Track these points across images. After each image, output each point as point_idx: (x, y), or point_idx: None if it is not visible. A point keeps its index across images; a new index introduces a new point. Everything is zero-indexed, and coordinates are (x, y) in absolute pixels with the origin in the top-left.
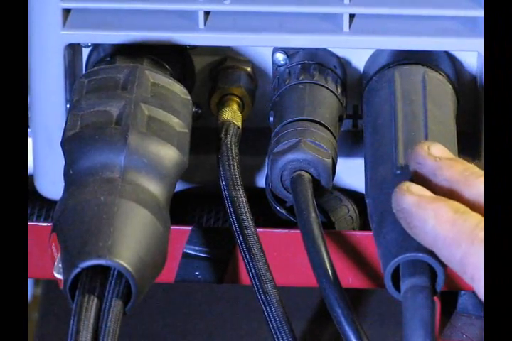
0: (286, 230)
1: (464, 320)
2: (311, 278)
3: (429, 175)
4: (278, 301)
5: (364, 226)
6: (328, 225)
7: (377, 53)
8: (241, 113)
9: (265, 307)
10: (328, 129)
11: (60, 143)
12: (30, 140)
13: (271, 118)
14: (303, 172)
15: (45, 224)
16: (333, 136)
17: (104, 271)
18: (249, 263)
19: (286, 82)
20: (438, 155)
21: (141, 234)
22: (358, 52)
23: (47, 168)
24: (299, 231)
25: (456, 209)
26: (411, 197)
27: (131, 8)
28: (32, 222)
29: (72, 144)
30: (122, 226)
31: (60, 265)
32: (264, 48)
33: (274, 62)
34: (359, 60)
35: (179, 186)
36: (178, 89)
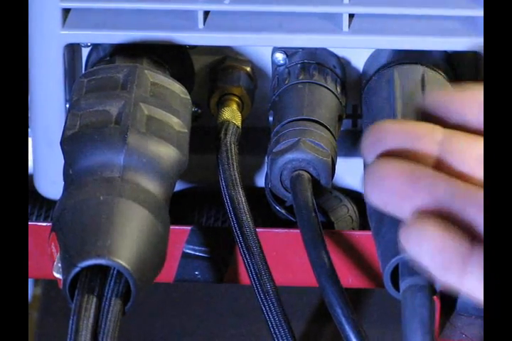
0: (286, 230)
1: (464, 319)
2: (311, 278)
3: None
4: (277, 301)
5: (363, 225)
6: (327, 225)
7: (377, 53)
8: (240, 112)
9: (265, 307)
10: (327, 129)
11: (59, 142)
12: (30, 140)
13: (270, 118)
14: (302, 172)
15: (45, 224)
16: (333, 135)
17: (103, 270)
18: (248, 263)
19: (286, 82)
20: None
21: (141, 234)
22: (357, 51)
23: (47, 168)
24: (298, 230)
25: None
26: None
27: (130, 8)
28: (32, 221)
29: (71, 144)
30: (122, 226)
31: (60, 264)
32: (263, 48)
33: (273, 62)
34: (358, 60)
35: (179, 186)
36: (178, 88)
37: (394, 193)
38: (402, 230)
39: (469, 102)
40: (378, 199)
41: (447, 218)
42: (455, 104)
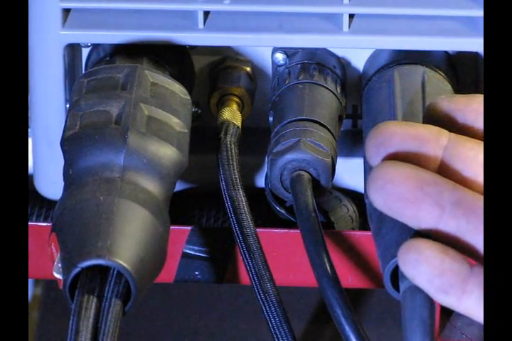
0: (286, 230)
1: (464, 319)
2: (311, 278)
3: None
4: (278, 301)
5: (364, 226)
6: (327, 225)
7: (377, 53)
8: (240, 113)
9: (265, 307)
10: (327, 129)
11: (59, 143)
12: (30, 140)
13: (270, 118)
14: (302, 172)
15: (45, 224)
16: (333, 135)
17: (103, 270)
18: (248, 263)
19: (286, 82)
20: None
21: (141, 234)
22: (357, 52)
23: (47, 168)
24: (298, 231)
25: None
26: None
27: (130, 8)
28: (32, 221)
29: (71, 144)
30: (122, 226)
31: (60, 265)
32: (263, 48)
33: (273, 62)
34: (359, 60)
35: (179, 186)
36: (178, 89)
37: (398, 199)
38: (400, 252)
39: (476, 111)
40: (382, 203)
41: (448, 233)
42: (461, 112)
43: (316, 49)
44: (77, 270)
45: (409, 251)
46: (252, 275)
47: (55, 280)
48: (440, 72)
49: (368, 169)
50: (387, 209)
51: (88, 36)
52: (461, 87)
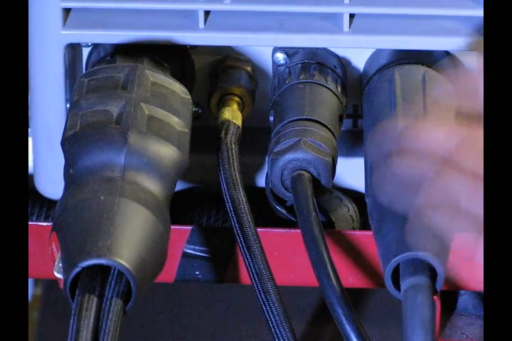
0: (286, 230)
1: (464, 319)
2: (312, 278)
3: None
4: (278, 301)
5: (364, 225)
6: (328, 225)
7: (378, 53)
8: (241, 112)
9: (265, 306)
10: (328, 129)
11: (60, 142)
12: (30, 140)
13: (271, 118)
14: (303, 172)
15: (45, 224)
16: (333, 135)
17: (104, 270)
18: (249, 263)
19: (287, 82)
20: None
21: (141, 234)
22: (358, 51)
23: (47, 168)
24: (299, 230)
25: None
26: None
27: (131, 8)
28: (32, 221)
29: (72, 144)
30: (122, 226)
31: (60, 264)
32: (264, 48)
33: (274, 62)
34: (359, 60)
35: (179, 186)
36: (178, 88)
37: (404, 190)
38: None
39: None
40: (388, 196)
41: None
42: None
43: (317, 49)
44: (77, 269)
45: None
46: (253, 274)
47: (55, 280)
48: (441, 71)
49: (368, 169)
50: (393, 202)
51: (88, 36)
52: None
